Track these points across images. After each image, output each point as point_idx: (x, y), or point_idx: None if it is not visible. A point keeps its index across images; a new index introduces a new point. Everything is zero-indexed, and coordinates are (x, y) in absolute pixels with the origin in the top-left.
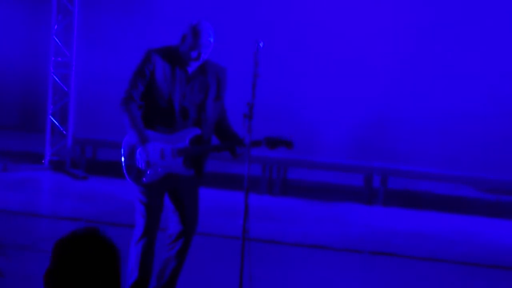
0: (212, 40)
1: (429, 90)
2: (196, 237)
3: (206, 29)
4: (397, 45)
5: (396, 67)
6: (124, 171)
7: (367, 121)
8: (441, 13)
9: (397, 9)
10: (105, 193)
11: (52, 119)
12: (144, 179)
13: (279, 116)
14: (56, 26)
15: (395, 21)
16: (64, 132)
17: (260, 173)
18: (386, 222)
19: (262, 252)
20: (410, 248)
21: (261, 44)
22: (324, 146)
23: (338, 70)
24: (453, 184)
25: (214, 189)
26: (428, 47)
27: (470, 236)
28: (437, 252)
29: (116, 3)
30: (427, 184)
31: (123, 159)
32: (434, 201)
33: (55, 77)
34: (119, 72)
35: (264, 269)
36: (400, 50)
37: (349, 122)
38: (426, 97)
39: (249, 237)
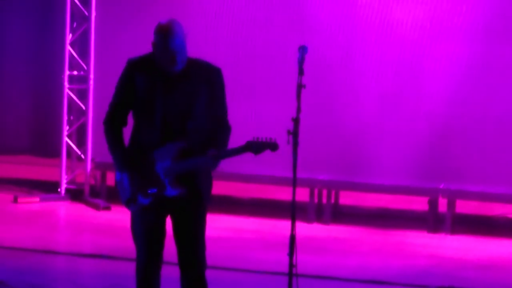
0: (182, 38)
1: (499, 101)
2: (236, 273)
3: (171, 27)
4: (460, 53)
5: (461, 76)
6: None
7: (430, 137)
8: (499, 19)
9: (454, 14)
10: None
11: (68, 141)
12: (133, 206)
13: (328, 133)
14: (70, 35)
15: (455, 25)
16: (82, 156)
17: (308, 199)
18: (454, 252)
19: None
20: (483, 282)
21: (306, 51)
22: (380, 166)
23: (394, 80)
24: None
25: (255, 218)
26: (493, 55)
27: None
28: None
29: (138, 6)
30: (501, 207)
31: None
32: (510, 227)
33: (70, 93)
34: None
35: None
36: (465, 59)
37: (408, 138)
38: (495, 108)
39: (296, 273)
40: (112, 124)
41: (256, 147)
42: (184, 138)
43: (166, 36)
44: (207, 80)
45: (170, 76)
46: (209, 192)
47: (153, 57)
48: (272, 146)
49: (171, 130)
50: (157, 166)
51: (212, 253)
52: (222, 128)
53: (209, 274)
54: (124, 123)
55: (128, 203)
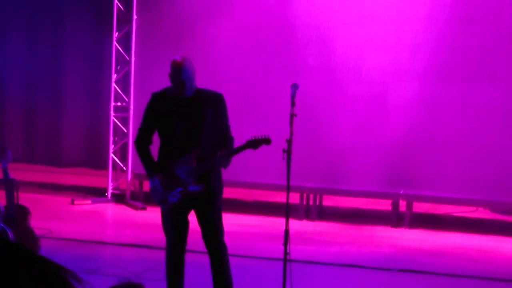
0: (191, 70)
1: (445, 127)
2: (243, 259)
3: (182, 62)
4: (416, 91)
5: (417, 108)
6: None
7: (392, 155)
8: (457, 48)
9: (410, 60)
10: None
11: (113, 156)
12: (165, 204)
13: (314, 151)
14: (115, 75)
15: (412, 69)
16: (124, 168)
17: (298, 201)
18: (412, 243)
19: (302, 272)
20: (434, 265)
21: (297, 88)
22: (355, 176)
23: (365, 111)
24: (471, 207)
25: (258, 216)
26: (441, 93)
27: (489, 254)
28: (459, 269)
29: (167, 52)
30: (448, 208)
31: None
32: (455, 223)
33: (115, 120)
34: None
35: (304, 287)
36: (419, 96)
37: (376, 156)
38: (442, 133)
39: (290, 259)
40: (140, 143)
41: (254, 143)
42: (198, 148)
43: (178, 69)
44: (212, 103)
45: (183, 102)
46: (221, 188)
47: (170, 89)
48: (267, 141)
49: (187, 142)
50: (180, 170)
51: None
52: (227, 138)
53: None
54: (150, 142)
55: (161, 203)
